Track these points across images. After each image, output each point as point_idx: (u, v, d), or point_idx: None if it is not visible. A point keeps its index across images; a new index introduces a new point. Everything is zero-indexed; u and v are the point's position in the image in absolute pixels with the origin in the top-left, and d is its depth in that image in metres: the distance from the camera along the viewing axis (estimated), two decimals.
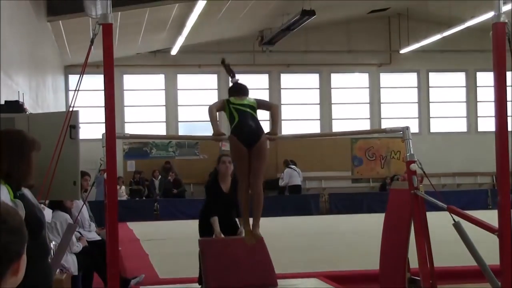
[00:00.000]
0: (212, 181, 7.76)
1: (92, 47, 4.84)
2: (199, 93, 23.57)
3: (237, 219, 7.68)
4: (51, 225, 7.17)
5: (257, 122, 6.14)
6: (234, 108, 6.11)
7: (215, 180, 7.72)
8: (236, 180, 7.68)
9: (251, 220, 6.28)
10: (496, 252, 4.91)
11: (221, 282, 7.06)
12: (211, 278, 7.10)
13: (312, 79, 24.55)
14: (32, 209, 3.48)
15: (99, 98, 5.01)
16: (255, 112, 6.21)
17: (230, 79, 6.53)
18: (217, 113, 6.21)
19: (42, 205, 5.27)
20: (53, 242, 6.45)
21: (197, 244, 7.44)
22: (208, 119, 6.17)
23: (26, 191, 3.69)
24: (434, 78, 25.19)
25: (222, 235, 7.44)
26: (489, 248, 5.36)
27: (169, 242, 13.38)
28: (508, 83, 4.95)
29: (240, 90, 6.30)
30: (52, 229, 7.25)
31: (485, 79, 24.03)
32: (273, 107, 6.47)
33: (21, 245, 1.83)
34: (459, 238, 5.36)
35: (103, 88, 4.77)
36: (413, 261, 6.00)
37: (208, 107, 6.19)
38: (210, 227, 7.52)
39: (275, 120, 6.39)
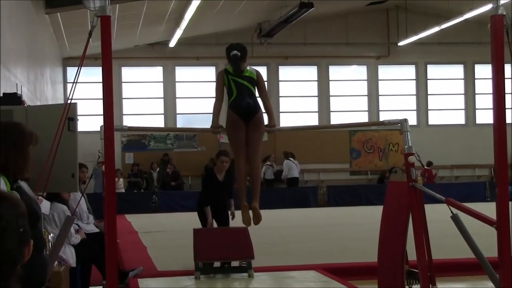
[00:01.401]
0: (209, 172, 9.17)
1: (91, 39, 4.83)
2: (197, 85, 23.57)
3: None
4: (48, 217, 7.16)
5: (254, 99, 6.20)
6: (233, 80, 6.16)
7: (211, 171, 9.07)
8: (230, 171, 8.72)
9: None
10: (494, 245, 4.91)
11: (207, 255, 8.11)
12: (200, 253, 8.05)
13: (310, 72, 24.53)
14: (29, 202, 3.48)
15: (97, 90, 5.02)
16: (254, 87, 6.22)
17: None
18: (221, 107, 6.21)
19: (40, 197, 5.28)
20: (51, 234, 6.45)
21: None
22: (209, 111, 6.23)
23: (23, 184, 3.69)
24: (432, 70, 25.17)
25: (215, 224, 8.83)
26: (487, 241, 5.36)
27: (168, 235, 13.38)
28: (507, 75, 4.94)
29: (237, 64, 6.21)
30: (50, 221, 7.24)
31: (483, 71, 24.05)
32: (266, 97, 6.44)
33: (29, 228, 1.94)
34: (457, 230, 5.37)
35: (101, 80, 4.76)
36: (411, 254, 6.01)
37: (214, 99, 6.24)
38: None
39: (270, 112, 6.42)
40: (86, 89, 20.36)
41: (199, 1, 15.69)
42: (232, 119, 6.12)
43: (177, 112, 23.66)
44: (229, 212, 8.95)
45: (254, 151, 6.19)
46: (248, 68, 6.27)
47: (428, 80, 25.11)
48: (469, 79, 25.19)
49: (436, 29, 21.58)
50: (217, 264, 8.37)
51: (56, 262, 6.10)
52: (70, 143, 6.14)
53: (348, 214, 17.88)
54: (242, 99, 6.11)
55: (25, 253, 1.92)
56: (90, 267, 7.81)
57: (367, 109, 24.62)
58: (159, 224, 15.42)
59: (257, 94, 6.34)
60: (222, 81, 6.19)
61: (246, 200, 6.20)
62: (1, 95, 7.91)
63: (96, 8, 4.75)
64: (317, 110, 24.31)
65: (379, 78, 24.85)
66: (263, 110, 6.33)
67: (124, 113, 22.92)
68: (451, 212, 5.38)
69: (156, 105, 23.62)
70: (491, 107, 4.95)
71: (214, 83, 6.42)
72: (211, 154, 22.73)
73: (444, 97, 25.14)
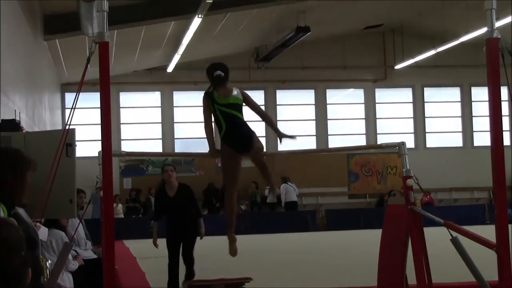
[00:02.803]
0: (159, 188, 8.90)
1: (89, 64, 4.85)
2: (195, 110, 23.59)
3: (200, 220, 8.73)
4: (46, 244, 7.14)
5: (246, 126, 5.97)
6: (220, 111, 5.87)
7: (162, 187, 8.76)
8: (183, 186, 8.56)
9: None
10: (495, 268, 4.89)
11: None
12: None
13: (307, 95, 24.61)
14: (26, 228, 3.47)
15: (96, 116, 5.03)
16: (242, 112, 5.97)
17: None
18: (213, 130, 6.05)
19: (38, 224, 5.26)
20: (49, 261, 6.42)
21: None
22: (204, 136, 6.05)
23: (20, 210, 3.67)
24: (429, 93, 25.28)
25: (157, 243, 8.94)
26: (488, 264, 5.34)
27: (166, 260, 13.29)
28: (503, 97, 4.96)
29: (221, 84, 5.92)
30: (48, 247, 7.22)
31: (480, 93, 24.15)
32: (260, 109, 6.22)
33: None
34: (457, 253, 5.35)
35: (99, 106, 4.77)
36: (411, 277, 5.98)
37: (204, 124, 6.03)
38: (172, 243, 8.79)
39: (272, 123, 6.23)
40: (84, 114, 20.41)
41: (197, 26, 15.78)
42: (226, 152, 5.93)
43: (175, 136, 23.69)
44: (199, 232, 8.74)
45: (263, 162, 6.21)
46: (234, 92, 5.97)
47: (425, 103, 25.19)
48: (466, 102, 25.28)
49: (432, 52, 21.69)
50: None
51: None
52: (68, 169, 6.14)
53: (347, 238, 17.81)
54: (234, 131, 5.88)
55: (27, 275, 2.01)
56: None
57: (364, 132, 24.67)
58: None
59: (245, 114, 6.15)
60: (208, 106, 5.92)
61: (233, 232, 6.21)
62: (0, 121, 7.91)
63: (95, 34, 4.77)
64: (315, 133, 24.34)
65: (376, 101, 24.93)
66: (258, 129, 6.23)
67: (122, 138, 22.93)
68: (451, 235, 5.36)
69: (154, 130, 23.65)
70: (488, 129, 4.96)
71: None
72: (209, 178, 22.80)
73: (441, 119, 25.21)
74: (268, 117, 6.24)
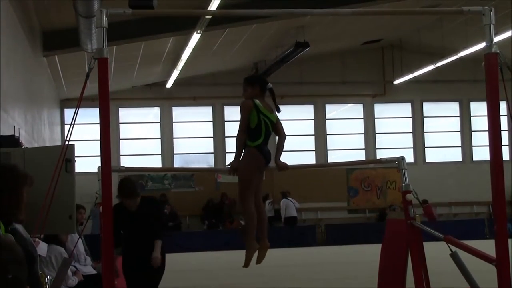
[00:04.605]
0: (116, 206, 6.55)
1: (88, 80, 4.85)
2: (194, 125, 23.63)
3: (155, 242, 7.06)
4: (46, 259, 7.12)
5: None
6: (264, 122, 5.87)
7: (119, 203, 6.82)
8: (147, 199, 6.98)
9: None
10: (495, 282, 4.88)
11: None
12: None
13: (307, 110, 24.64)
14: (24, 244, 3.47)
15: (95, 131, 5.03)
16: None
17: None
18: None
19: (37, 240, 5.25)
20: (49, 277, 6.40)
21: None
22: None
23: (18, 226, 3.67)
24: (428, 108, 25.32)
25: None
26: (487, 278, 5.33)
27: (165, 276, 13.25)
28: (502, 112, 4.97)
29: (274, 98, 5.99)
30: (47, 263, 7.20)
31: (479, 108, 24.18)
32: (284, 136, 6.15)
33: (25, 275, 1.92)
34: (457, 268, 5.34)
35: (98, 121, 4.77)
36: None
37: (238, 132, 5.81)
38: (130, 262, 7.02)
39: (279, 154, 6.10)
40: (83, 130, 20.43)
41: (196, 41, 15.84)
42: (259, 162, 5.81)
43: (174, 152, 23.68)
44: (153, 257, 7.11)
45: (260, 193, 6.09)
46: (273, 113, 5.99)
47: (424, 118, 25.23)
48: (465, 116, 25.31)
49: (431, 67, 21.77)
50: None
51: None
52: (68, 185, 6.14)
53: (347, 253, 17.77)
54: (265, 146, 5.82)
55: None
56: None
57: (363, 147, 24.68)
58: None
59: None
60: (250, 113, 5.86)
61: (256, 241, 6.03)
62: None
63: (94, 50, 4.78)
64: (314, 148, 24.35)
65: (376, 116, 24.96)
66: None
67: (121, 153, 22.93)
68: (450, 249, 5.36)
69: (153, 146, 23.65)
70: (488, 144, 4.97)
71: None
72: (208, 194, 22.77)
73: (441, 134, 25.23)
74: (283, 143, 6.10)
